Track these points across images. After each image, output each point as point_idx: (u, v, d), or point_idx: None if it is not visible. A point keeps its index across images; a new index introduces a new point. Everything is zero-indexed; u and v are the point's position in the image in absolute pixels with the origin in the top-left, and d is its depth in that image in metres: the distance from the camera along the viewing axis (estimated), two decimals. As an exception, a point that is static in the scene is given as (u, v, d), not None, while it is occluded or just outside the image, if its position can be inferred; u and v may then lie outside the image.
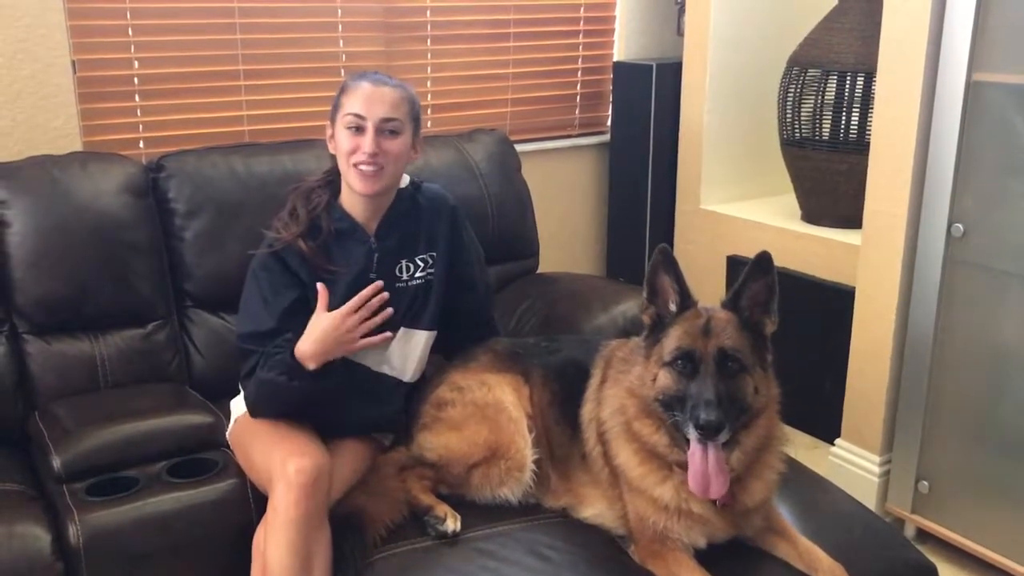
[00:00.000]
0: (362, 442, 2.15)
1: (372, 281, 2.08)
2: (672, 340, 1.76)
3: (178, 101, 2.91)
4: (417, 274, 2.16)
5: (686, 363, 1.72)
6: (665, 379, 1.75)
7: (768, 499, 1.86)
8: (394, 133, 2.06)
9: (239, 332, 2.11)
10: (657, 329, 1.80)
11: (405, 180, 2.21)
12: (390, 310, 2.04)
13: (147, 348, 2.44)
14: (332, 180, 2.16)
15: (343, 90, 2.09)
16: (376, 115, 2.03)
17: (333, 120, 2.10)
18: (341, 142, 2.06)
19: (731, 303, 1.77)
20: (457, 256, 2.25)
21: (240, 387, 2.15)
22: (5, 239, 2.30)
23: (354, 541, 1.88)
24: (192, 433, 2.13)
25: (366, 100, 2.04)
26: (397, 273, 2.14)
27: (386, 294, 2.04)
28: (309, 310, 2.02)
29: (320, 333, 1.96)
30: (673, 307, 1.80)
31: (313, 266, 2.06)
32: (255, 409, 2.06)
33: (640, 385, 1.81)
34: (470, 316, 2.32)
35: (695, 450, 1.71)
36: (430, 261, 2.18)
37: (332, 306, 2.01)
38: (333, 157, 2.13)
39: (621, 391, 1.87)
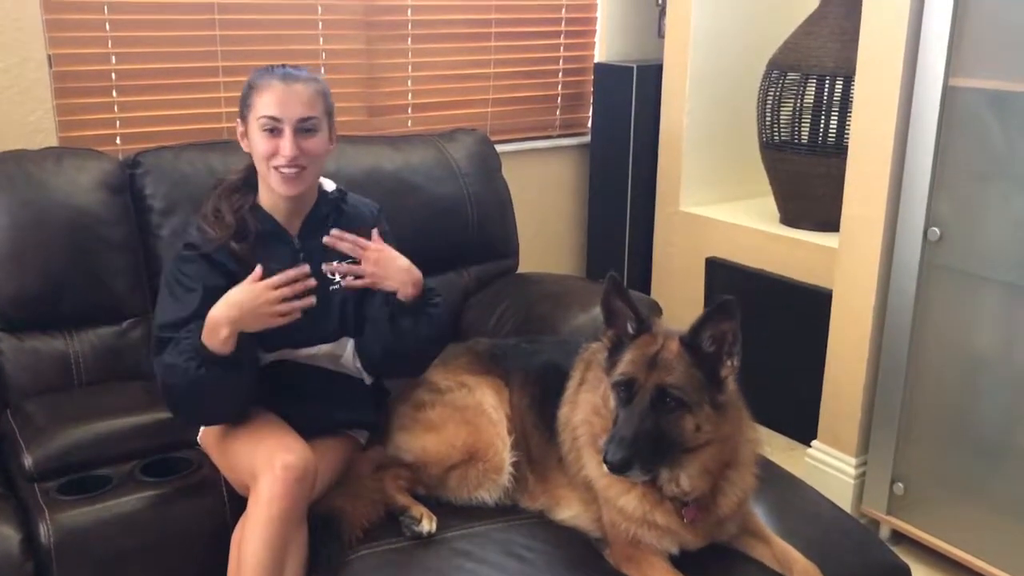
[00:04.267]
0: (339, 441, 2.13)
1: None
2: (621, 365, 1.75)
3: (156, 97, 2.88)
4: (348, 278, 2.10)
5: (625, 391, 1.71)
6: (612, 400, 1.75)
7: (738, 512, 1.85)
8: (311, 132, 1.99)
9: (158, 322, 2.00)
10: (616, 351, 1.79)
11: (331, 186, 2.17)
12: (312, 299, 1.92)
13: (122, 346, 2.42)
14: (251, 178, 2.09)
15: (252, 88, 2.01)
16: (292, 116, 1.96)
17: (244, 118, 2.03)
18: (257, 144, 1.99)
19: (690, 337, 1.72)
20: None
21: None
22: (-22, 235, 2.27)
23: (330, 541, 1.86)
24: (166, 431, 2.11)
25: (279, 101, 1.96)
26: (329, 276, 2.07)
27: (312, 281, 1.92)
28: None
29: (236, 297, 1.86)
30: (631, 329, 1.78)
31: (243, 266, 1.98)
32: (168, 399, 1.95)
33: (603, 404, 1.82)
34: (374, 324, 2.13)
35: None
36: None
37: None
38: (245, 154, 2.08)
39: (588, 404, 1.88)
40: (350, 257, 2.09)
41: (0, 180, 2.32)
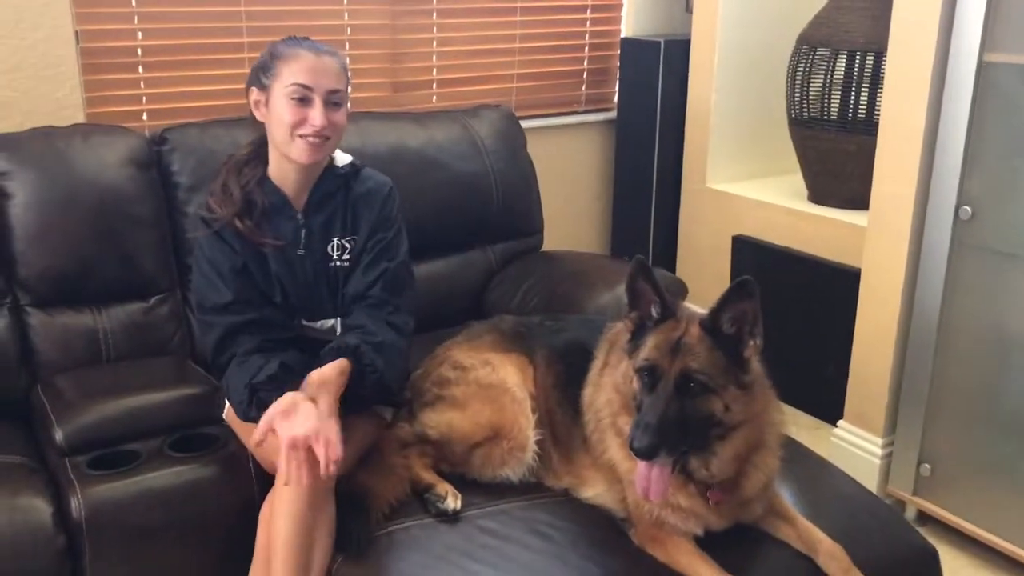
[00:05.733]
0: (363, 417, 2.13)
1: (301, 257, 2.07)
2: (644, 350, 1.74)
3: (182, 73, 2.89)
4: (344, 256, 2.12)
5: (649, 376, 1.71)
6: (635, 384, 1.75)
7: (763, 494, 1.85)
8: (338, 105, 2.02)
9: (203, 305, 2.06)
10: (639, 334, 1.78)
11: (345, 160, 2.16)
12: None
13: (149, 322, 2.44)
14: (261, 152, 2.11)
15: (277, 56, 2.00)
16: (324, 87, 1.98)
17: (265, 86, 2.01)
18: (282, 112, 1.98)
19: (710, 320, 1.71)
20: (371, 244, 2.14)
21: (215, 366, 2.06)
22: (7, 211, 2.29)
23: (357, 518, 1.88)
24: (194, 407, 2.13)
25: (311, 70, 1.97)
26: (328, 251, 2.10)
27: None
28: (250, 273, 2.04)
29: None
30: (655, 313, 1.77)
31: (248, 241, 2.04)
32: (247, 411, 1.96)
33: (623, 382, 1.81)
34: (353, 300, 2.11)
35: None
36: (348, 247, 2.12)
37: (267, 278, 2.05)
38: (260, 126, 2.08)
39: (611, 386, 1.87)
40: (350, 235, 2.12)
41: (29, 157, 2.34)
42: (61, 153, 2.36)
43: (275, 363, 1.93)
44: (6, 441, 2.12)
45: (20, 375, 2.30)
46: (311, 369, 1.93)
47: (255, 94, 2.05)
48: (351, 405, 1.96)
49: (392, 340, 2.05)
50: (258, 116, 2.07)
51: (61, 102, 2.65)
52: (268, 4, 2.97)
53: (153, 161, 2.49)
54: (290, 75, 1.97)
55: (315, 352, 2.01)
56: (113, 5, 2.76)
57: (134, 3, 2.77)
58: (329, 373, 1.88)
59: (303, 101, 1.97)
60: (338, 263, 2.12)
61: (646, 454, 1.65)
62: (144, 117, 2.86)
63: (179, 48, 2.87)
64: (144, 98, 2.86)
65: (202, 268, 2.07)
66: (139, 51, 2.82)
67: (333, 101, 2.00)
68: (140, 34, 2.81)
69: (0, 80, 2.56)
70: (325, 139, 2.01)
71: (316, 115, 1.97)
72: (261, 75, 2.03)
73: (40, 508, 1.88)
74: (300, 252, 2.09)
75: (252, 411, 1.91)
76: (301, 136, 1.99)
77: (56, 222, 2.31)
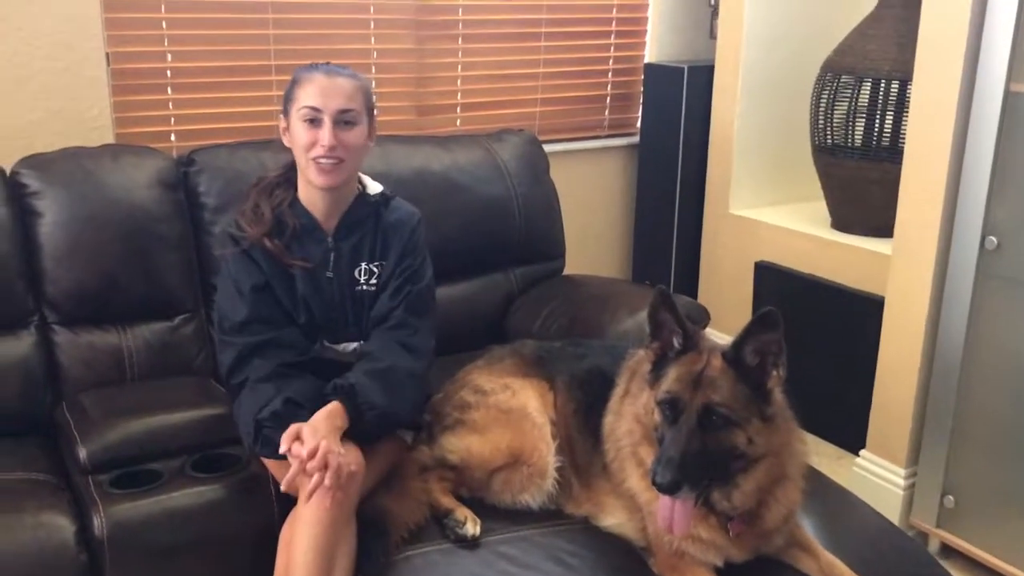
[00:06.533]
0: (385, 440, 2.14)
1: (330, 279, 2.09)
2: (665, 382, 1.73)
3: (210, 95, 2.93)
4: (371, 281, 2.14)
5: (671, 409, 1.70)
6: (657, 416, 1.74)
7: (785, 526, 1.83)
8: (350, 124, 2.03)
9: (222, 324, 2.09)
10: (660, 365, 1.78)
11: (376, 188, 2.19)
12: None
13: (174, 341, 2.46)
14: (291, 175, 2.14)
15: (296, 82, 2.06)
16: (332, 107, 2.00)
17: (287, 113, 2.07)
18: (298, 135, 2.03)
19: (733, 352, 1.71)
20: (399, 271, 2.16)
21: (229, 388, 2.10)
22: (37, 229, 2.33)
23: (377, 541, 1.88)
24: (216, 427, 2.14)
25: (321, 92, 2.01)
26: (356, 276, 2.13)
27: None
28: (271, 292, 2.07)
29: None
30: (677, 344, 1.76)
31: (276, 262, 2.07)
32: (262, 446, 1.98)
33: (644, 413, 1.81)
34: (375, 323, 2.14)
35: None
36: (375, 271, 2.14)
37: (293, 299, 2.07)
38: (290, 151, 2.11)
39: (632, 415, 1.87)
40: (378, 260, 2.14)
41: (59, 176, 2.37)
42: (90, 173, 2.39)
43: (281, 399, 1.94)
44: (31, 459, 2.14)
45: (46, 393, 2.33)
46: (323, 397, 1.95)
47: (282, 122, 2.11)
48: (365, 438, 1.97)
49: (403, 364, 2.05)
50: (285, 142, 2.11)
51: (91, 123, 2.69)
52: (295, 28, 3.01)
53: (180, 182, 2.52)
54: (303, 98, 2.02)
55: (333, 376, 2.02)
56: (144, 28, 2.80)
57: (164, 26, 2.82)
58: (318, 419, 1.89)
59: (313, 122, 2.01)
60: (364, 287, 2.13)
61: (669, 489, 1.64)
62: (172, 138, 2.90)
63: (208, 71, 2.91)
64: (173, 119, 2.90)
65: (225, 285, 2.10)
66: (168, 73, 2.86)
67: (344, 120, 2.02)
68: (170, 56, 2.85)
69: (33, 100, 2.61)
70: (338, 161, 2.02)
71: (324, 134, 2.00)
72: (285, 102, 2.09)
73: (63, 526, 1.90)
74: (329, 274, 2.11)
75: (257, 446, 1.96)
76: (314, 159, 2.02)
77: (84, 241, 2.34)
